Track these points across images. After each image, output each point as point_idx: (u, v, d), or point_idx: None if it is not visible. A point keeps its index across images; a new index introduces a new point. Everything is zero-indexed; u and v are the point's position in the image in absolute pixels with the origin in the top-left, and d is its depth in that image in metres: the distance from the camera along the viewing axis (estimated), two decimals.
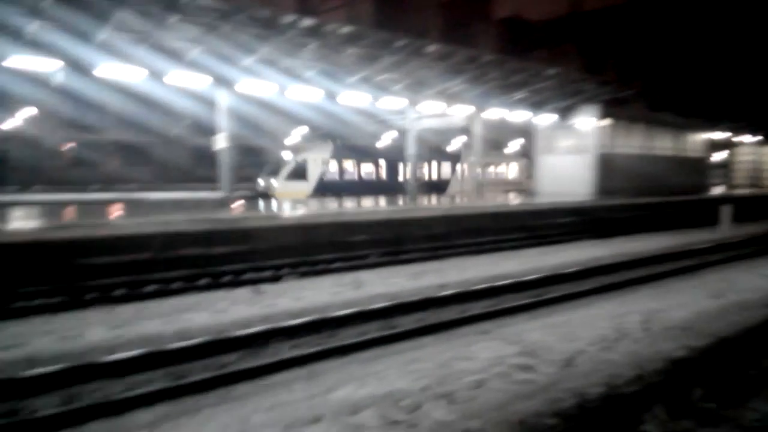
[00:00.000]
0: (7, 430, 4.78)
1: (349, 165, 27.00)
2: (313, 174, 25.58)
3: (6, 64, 13.31)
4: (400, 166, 27.94)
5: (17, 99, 30.40)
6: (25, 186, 29.38)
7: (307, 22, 15.81)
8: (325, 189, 25.16)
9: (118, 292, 9.90)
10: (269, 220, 14.08)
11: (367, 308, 8.51)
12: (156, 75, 15.50)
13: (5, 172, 31.06)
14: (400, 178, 27.85)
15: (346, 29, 16.70)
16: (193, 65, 15.89)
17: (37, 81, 21.70)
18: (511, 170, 34.30)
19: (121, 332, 7.36)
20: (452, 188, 30.74)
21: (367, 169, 27.67)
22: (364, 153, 28.74)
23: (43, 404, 5.40)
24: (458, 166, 31.40)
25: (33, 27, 12.87)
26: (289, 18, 15.61)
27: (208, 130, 23.97)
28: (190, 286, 10.41)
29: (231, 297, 9.44)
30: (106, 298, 9.48)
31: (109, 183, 32.41)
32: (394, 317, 8.47)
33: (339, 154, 26.86)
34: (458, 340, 7.06)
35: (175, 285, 10.51)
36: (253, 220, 13.85)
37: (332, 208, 17.66)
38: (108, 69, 14.66)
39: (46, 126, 34.04)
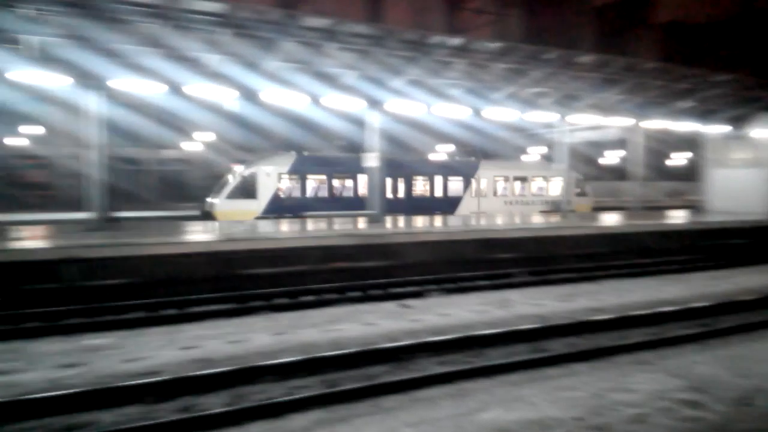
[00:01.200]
0: (183, 424, 5.33)
1: (316, 180, 22.70)
2: (265, 191, 21.43)
3: (187, 90, 15.06)
4: (390, 180, 23.07)
5: (194, 124, 34.38)
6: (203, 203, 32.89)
7: (456, 41, 16.01)
8: (281, 209, 21.42)
9: (280, 301, 10.69)
10: (413, 236, 14.37)
11: (515, 329, 8.30)
12: (313, 99, 16.60)
13: (185, 190, 35.17)
14: (390, 195, 23.28)
15: (494, 45, 16.61)
16: (347, 88, 16.77)
17: (213, 107, 24.31)
18: (552, 186, 27.15)
19: (282, 338, 7.93)
20: (464, 208, 25.30)
21: (343, 185, 23.11)
22: (339, 166, 23.54)
23: (213, 402, 5.96)
24: (475, 180, 25.63)
25: (214, 59, 14.44)
26: (437, 39, 15.92)
27: (357, 148, 25.19)
28: (341, 298, 10.92)
29: (379, 310, 9.74)
30: (269, 306, 10.27)
31: None
32: (543, 340, 8.16)
33: (302, 168, 22.44)
34: (614, 369, 6.61)
35: (329, 296, 11.09)
36: (399, 236, 14.22)
37: (472, 224, 17.56)
38: (273, 95, 15.97)
39: (219, 148, 37.97)
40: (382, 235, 14.19)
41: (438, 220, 19.76)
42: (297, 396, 5.87)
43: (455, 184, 25.27)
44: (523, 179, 26.61)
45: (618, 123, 22.44)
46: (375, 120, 17.74)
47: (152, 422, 5.27)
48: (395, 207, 22.95)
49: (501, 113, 19.61)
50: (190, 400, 5.92)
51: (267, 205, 21.26)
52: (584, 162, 29.31)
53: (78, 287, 10.62)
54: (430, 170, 25.08)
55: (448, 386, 6.29)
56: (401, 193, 24.00)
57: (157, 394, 5.90)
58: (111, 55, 13.37)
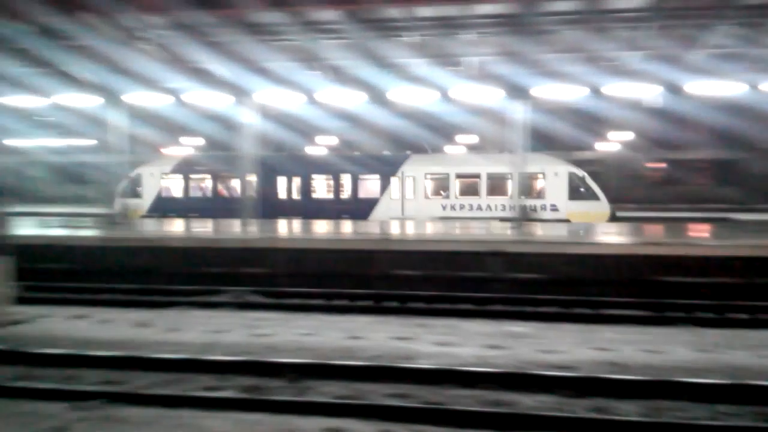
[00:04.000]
0: (597, 424, 5.38)
1: (199, 181, 22.22)
2: (149, 191, 22.19)
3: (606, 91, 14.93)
4: (280, 180, 21.77)
5: (612, 123, 33.70)
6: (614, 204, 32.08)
7: None
8: (164, 208, 21.58)
9: (704, 315, 9.65)
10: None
11: None
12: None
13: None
14: (283, 196, 21.81)
15: None
16: None
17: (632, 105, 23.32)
18: (551, 188, 19.77)
19: (706, 357, 7.16)
20: (380, 212, 20.81)
21: (228, 185, 22.14)
22: (226, 165, 21.73)
23: (627, 409, 5.79)
24: (398, 179, 20.83)
25: (634, 57, 14.01)
26: None
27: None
28: None
29: None
30: (690, 319, 9.38)
31: (692, 202, 31.77)
32: None
33: (187, 169, 22.31)
34: None
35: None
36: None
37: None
38: (701, 86, 14.44)
39: (634, 147, 36.28)
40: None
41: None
42: (724, 423, 5.24)
43: (370, 184, 21.19)
44: (473, 177, 20.49)
45: None
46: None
47: (568, 415, 5.51)
48: (290, 210, 21.20)
49: None
50: (604, 402, 5.92)
51: (150, 205, 22.16)
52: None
53: (499, 278, 11.83)
54: (335, 168, 21.78)
55: None
56: (297, 195, 21.85)
57: (572, 389, 6.13)
58: (535, 65, 14.40)
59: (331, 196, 21.93)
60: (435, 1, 13.72)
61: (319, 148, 35.58)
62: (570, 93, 14.76)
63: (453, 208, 20.55)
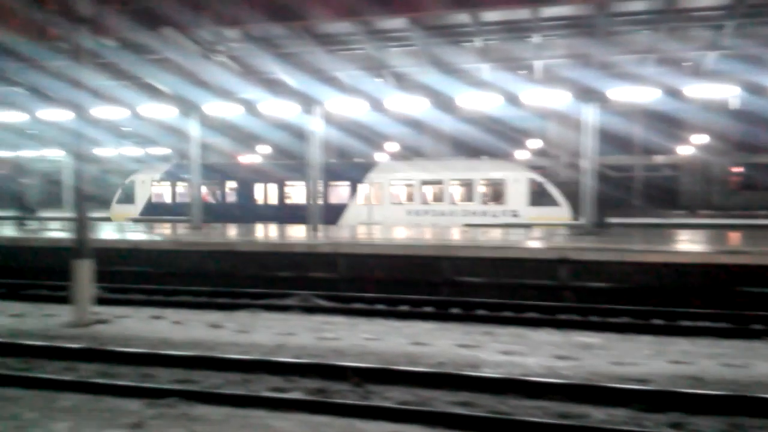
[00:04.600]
0: None
1: (184, 188, 23.71)
2: (141, 196, 24.59)
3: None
4: (256, 187, 23.57)
5: (690, 125, 32.15)
6: (691, 210, 30.60)
7: None
8: (154, 213, 23.43)
9: None
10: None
11: None
12: None
13: (676, 198, 33.30)
14: (260, 201, 23.59)
15: None
16: None
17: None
18: (484, 192, 21.11)
19: None
20: (349, 217, 22.10)
21: (207, 191, 23.75)
22: (213, 172, 23.56)
23: (706, 425, 5.50)
24: (366, 186, 22.21)
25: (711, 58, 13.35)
26: None
27: None
28: None
29: None
30: None
31: None
32: None
33: (173, 177, 24.49)
34: None
35: None
36: None
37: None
38: None
39: (715, 151, 34.45)
40: None
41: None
42: None
43: (341, 190, 22.43)
44: (437, 184, 21.61)
45: None
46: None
47: (642, 430, 5.29)
48: (265, 215, 22.50)
49: None
50: (681, 417, 5.64)
51: (142, 209, 24.23)
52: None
53: (568, 286, 11.50)
54: (291, 175, 23.10)
55: None
56: (274, 201, 23.35)
57: (646, 403, 5.87)
58: (605, 68, 13.97)
59: (303, 201, 22.12)
60: (502, 4, 13.58)
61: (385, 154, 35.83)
62: (643, 95, 14.24)
63: (417, 213, 21.64)
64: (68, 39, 10.11)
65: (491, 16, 14.02)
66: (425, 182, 21.78)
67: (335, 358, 7.35)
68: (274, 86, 15.97)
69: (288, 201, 23.46)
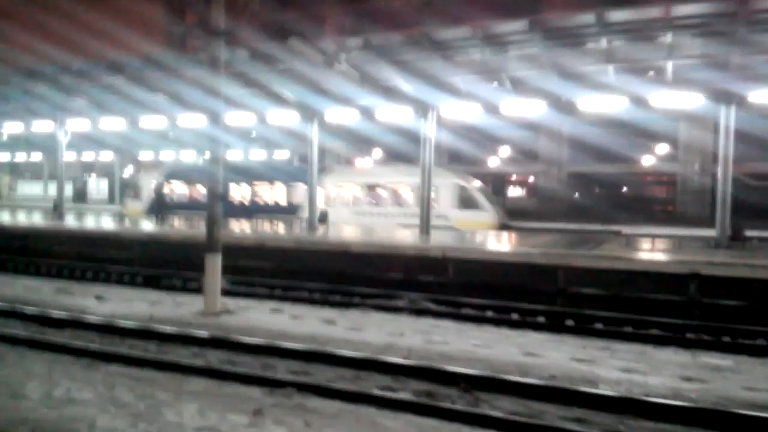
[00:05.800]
0: None
1: (181, 186, 27.56)
2: (146, 194, 27.63)
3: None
4: (240, 186, 26.26)
5: None
6: None
7: None
8: (158, 209, 24.42)
9: None
10: None
11: None
12: None
13: None
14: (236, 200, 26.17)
15: None
16: None
17: None
18: (441, 199, 22.03)
19: None
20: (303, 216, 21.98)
21: (200, 190, 26.21)
22: (201, 175, 23.63)
23: None
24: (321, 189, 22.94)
25: None
26: None
27: None
28: None
29: None
30: None
31: None
32: None
33: (173, 176, 28.00)
34: None
35: None
36: None
37: None
38: None
39: None
40: None
41: None
42: None
43: (301, 190, 23.72)
44: (378, 187, 24.27)
45: None
46: None
47: None
48: (239, 212, 24.64)
49: None
50: None
51: (148, 206, 26.68)
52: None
53: (698, 303, 10.62)
54: (270, 176, 25.86)
55: None
56: (241, 199, 26.14)
57: None
58: (737, 69, 12.85)
59: (266, 201, 25.85)
60: (630, 3, 12.91)
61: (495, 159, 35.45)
62: None
63: (363, 214, 23.80)
64: (206, 49, 11.02)
65: (617, 15, 13.28)
66: (369, 186, 24.53)
67: (444, 362, 7.37)
68: (389, 92, 16.27)
69: (257, 199, 26.20)
